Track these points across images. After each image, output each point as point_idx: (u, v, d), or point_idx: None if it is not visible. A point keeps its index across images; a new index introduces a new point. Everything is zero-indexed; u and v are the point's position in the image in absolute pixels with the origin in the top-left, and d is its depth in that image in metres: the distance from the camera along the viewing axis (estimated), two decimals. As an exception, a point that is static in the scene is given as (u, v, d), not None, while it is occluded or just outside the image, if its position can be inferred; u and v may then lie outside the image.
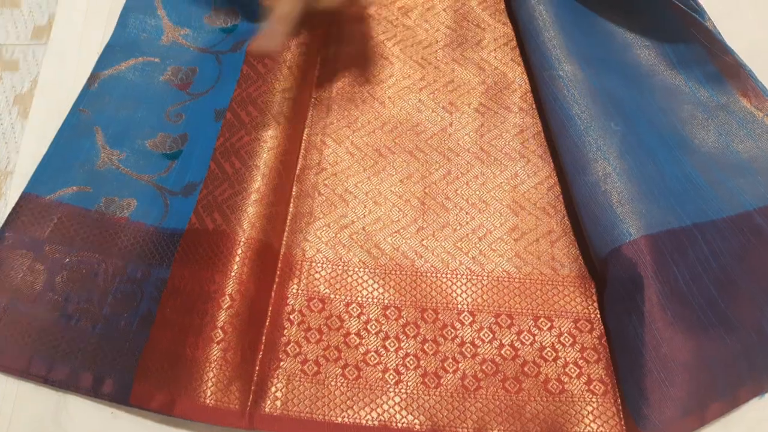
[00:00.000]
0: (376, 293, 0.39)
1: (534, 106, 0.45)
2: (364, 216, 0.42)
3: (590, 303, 0.38)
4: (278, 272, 0.39)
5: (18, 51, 0.49)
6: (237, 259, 0.36)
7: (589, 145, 0.39)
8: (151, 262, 0.39)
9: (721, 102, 0.42)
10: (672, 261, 0.35)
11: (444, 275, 0.39)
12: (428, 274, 0.39)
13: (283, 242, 0.40)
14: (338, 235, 0.41)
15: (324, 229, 0.41)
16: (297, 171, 0.43)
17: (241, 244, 0.37)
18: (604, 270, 0.37)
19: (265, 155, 0.39)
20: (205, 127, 0.43)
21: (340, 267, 0.40)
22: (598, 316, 0.38)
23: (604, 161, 0.38)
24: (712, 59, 0.43)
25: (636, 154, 0.39)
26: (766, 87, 0.42)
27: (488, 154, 0.44)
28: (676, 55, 0.44)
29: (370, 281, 0.39)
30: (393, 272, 0.40)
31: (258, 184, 0.39)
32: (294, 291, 0.39)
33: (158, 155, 0.44)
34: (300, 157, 0.44)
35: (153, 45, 0.48)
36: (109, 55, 0.47)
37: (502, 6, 0.49)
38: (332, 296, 0.39)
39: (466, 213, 0.42)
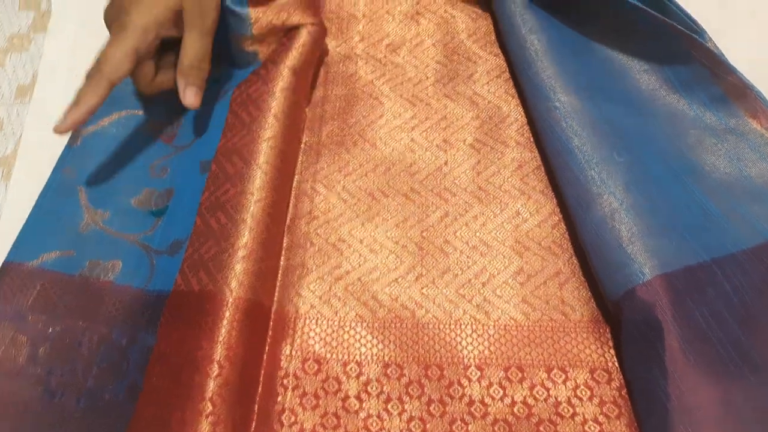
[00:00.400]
0: (375, 350, 0.36)
1: (532, 140, 0.43)
2: (360, 265, 0.40)
3: (606, 350, 0.35)
4: (270, 332, 0.37)
5: (2, 111, 0.48)
6: (225, 321, 0.34)
7: (593, 179, 0.36)
8: (137, 328, 0.37)
9: (730, 125, 0.40)
10: (691, 301, 0.33)
11: (447, 326, 0.37)
12: (430, 326, 0.37)
13: (275, 299, 0.38)
14: (333, 288, 0.39)
15: (317, 282, 0.39)
16: (287, 221, 0.41)
17: (229, 305, 0.35)
18: (619, 313, 0.34)
19: (252, 208, 0.38)
20: (191, 181, 0.41)
21: (335, 323, 0.38)
22: (616, 364, 0.35)
23: (610, 195, 0.36)
24: (716, 81, 0.40)
25: (644, 186, 0.36)
26: None
27: (487, 193, 0.41)
28: (678, 79, 0.42)
29: (369, 336, 0.37)
30: (392, 326, 0.37)
31: (245, 239, 0.37)
32: (287, 352, 0.37)
33: (143, 212, 0.42)
34: (290, 206, 0.42)
35: (135, 98, 0.46)
36: None
37: (493, 37, 0.48)
38: (328, 356, 0.36)
39: (467, 257, 0.39)
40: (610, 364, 0.35)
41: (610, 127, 0.39)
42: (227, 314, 0.34)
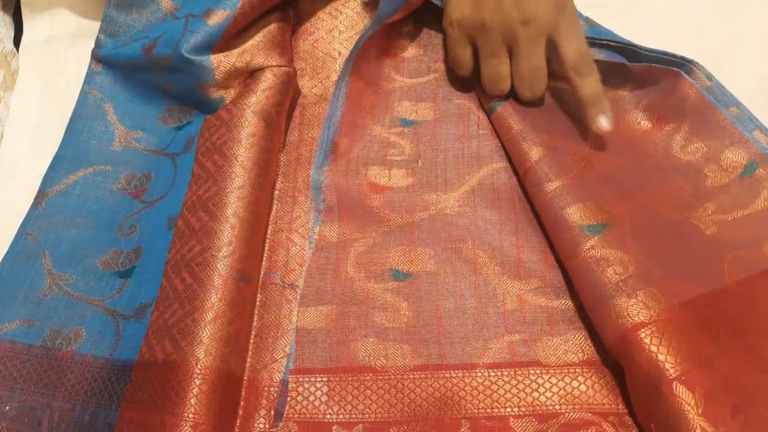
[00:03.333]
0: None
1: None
2: (340, 320, 0.36)
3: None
4: (242, 404, 0.34)
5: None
6: (190, 396, 0.31)
7: None
8: (99, 403, 0.34)
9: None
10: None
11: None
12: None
13: (247, 365, 0.35)
14: (311, 348, 0.36)
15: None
16: (260, 277, 0.38)
17: (196, 376, 0.32)
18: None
19: (219, 266, 0.35)
20: (159, 238, 0.39)
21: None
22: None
23: None
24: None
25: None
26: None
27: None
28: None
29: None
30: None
31: (212, 300, 0.34)
32: (261, 426, 0.33)
33: (109, 274, 0.39)
34: (263, 258, 0.39)
35: (104, 152, 0.44)
36: (57, 168, 0.43)
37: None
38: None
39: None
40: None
41: None
42: (194, 388, 0.31)
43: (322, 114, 0.44)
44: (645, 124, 0.41)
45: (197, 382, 0.31)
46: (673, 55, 0.39)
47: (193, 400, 0.31)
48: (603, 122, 0.37)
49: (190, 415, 0.31)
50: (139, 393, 0.33)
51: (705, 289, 0.31)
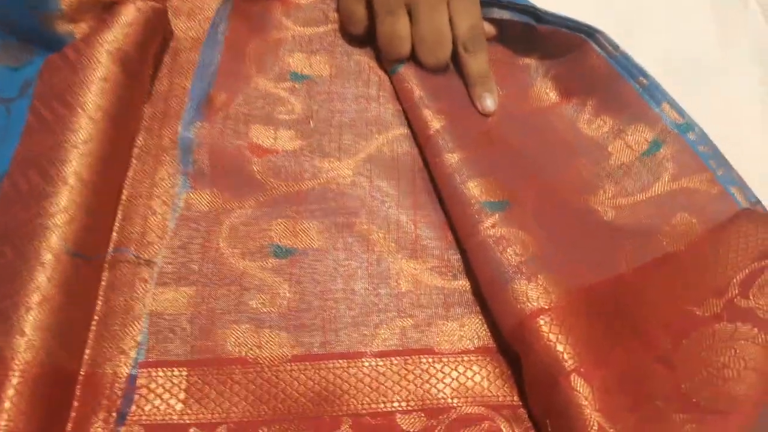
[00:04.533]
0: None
1: None
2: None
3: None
4: (75, 404, 0.28)
5: None
6: (4, 399, 0.25)
7: None
8: None
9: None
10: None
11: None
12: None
13: (86, 358, 0.29)
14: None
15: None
16: (109, 252, 0.32)
17: (12, 374, 0.25)
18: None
19: (50, 237, 0.28)
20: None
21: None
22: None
23: None
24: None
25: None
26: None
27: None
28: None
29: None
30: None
31: (39, 280, 0.27)
32: (100, 430, 0.27)
33: None
34: (114, 230, 0.33)
35: None
36: None
37: None
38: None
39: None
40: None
41: None
42: (8, 389, 0.25)
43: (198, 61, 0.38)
44: (552, 95, 0.38)
45: (14, 381, 0.25)
46: (579, 23, 0.37)
47: (7, 404, 0.25)
48: (488, 102, 0.37)
49: (3, 424, 0.24)
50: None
51: (603, 276, 0.29)
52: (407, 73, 0.37)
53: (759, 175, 0.32)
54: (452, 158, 0.33)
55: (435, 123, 0.34)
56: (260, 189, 0.34)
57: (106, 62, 0.33)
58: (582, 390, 0.25)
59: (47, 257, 0.28)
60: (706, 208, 0.30)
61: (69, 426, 0.27)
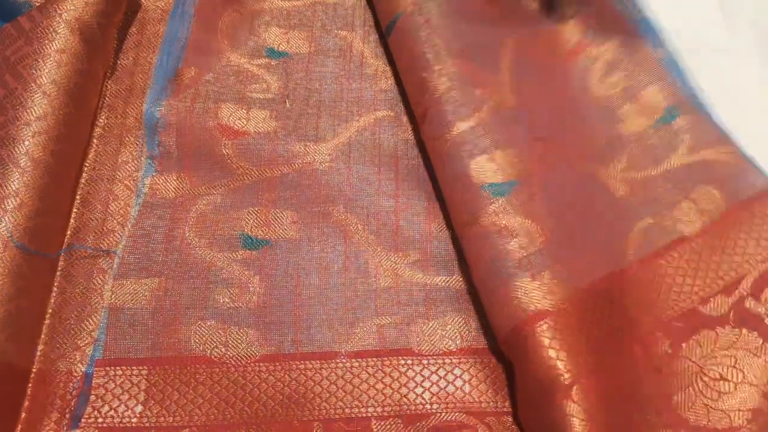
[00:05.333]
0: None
1: None
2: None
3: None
4: (26, 404, 0.26)
5: None
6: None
7: None
8: None
9: None
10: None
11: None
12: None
13: (38, 354, 0.27)
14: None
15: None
16: (65, 238, 0.30)
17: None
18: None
19: (0, 225, 0.26)
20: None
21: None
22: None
23: None
24: None
25: None
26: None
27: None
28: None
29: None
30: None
31: (-16, 271, 0.25)
32: (50, 434, 0.26)
33: None
34: (72, 217, 0.30)
35: None
36: None
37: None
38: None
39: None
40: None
41: None
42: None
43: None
44: (571, 38, 0.35)
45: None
46: None
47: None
48: None
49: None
50: None
51: (609, 269, 0.27)
52: (407, 26, 0.33)
53: (759, 157, 0.30)
54: (457, 129, 0.30)
55: (440, 86, 0.31)
56: (231, 174, 0.32)
57: (63, 32, 0.30)
58: (575, 411, 0.24)
59: (-6, 246, 0.25)
60: (729, 179, 0.28)
61: (18, 427, 0.25)
